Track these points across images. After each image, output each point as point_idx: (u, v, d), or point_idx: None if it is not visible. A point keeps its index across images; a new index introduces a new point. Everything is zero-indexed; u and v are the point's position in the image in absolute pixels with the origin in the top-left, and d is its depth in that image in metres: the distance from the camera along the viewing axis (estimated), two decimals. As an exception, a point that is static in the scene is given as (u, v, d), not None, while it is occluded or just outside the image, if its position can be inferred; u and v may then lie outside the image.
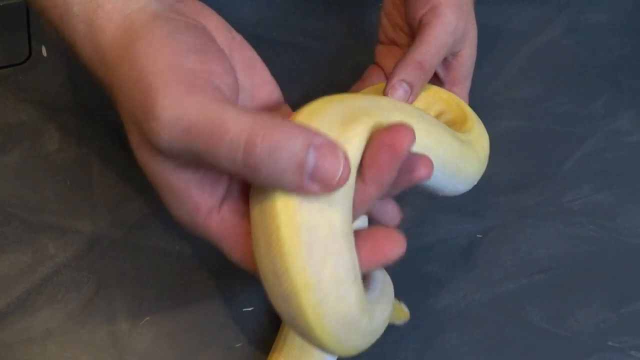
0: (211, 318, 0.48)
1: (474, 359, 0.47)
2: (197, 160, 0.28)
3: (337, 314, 0.28)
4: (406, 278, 0.50)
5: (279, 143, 0.26)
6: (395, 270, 0.50)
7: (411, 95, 0.43)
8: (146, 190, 0.52)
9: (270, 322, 0.47)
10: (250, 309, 0.48)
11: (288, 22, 0.61)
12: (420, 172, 0.30)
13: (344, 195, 0.28)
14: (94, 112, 0.55)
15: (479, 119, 0.47)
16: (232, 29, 0.34)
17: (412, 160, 0.30)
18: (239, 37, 0.34)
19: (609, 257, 0.51)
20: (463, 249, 0.51)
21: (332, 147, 0.27)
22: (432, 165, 0.31)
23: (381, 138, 0.29)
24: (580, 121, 0.58)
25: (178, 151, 0.27)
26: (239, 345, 0.47)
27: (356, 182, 0.29)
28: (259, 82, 0.35)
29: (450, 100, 0.48)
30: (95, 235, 0.50)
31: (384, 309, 0.33)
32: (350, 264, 0.28)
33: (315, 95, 0.58)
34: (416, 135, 0.29)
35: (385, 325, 0.34)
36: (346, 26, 0.62)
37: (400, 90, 0.43)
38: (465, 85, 0.50)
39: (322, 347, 0.30)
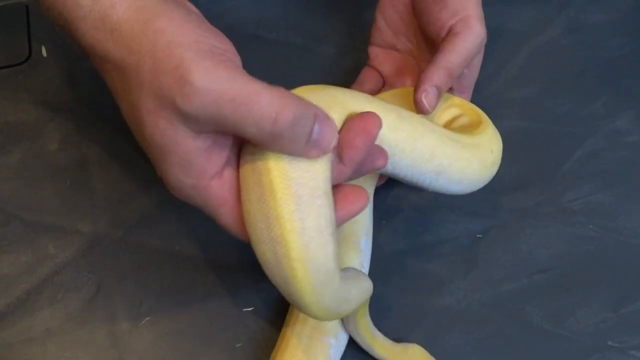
0: (211, 318, 0.48)
1: (474, 359, 0.47)
2: (220, 126, 0.31)
3: (318, 260, 0.32)
4: (406, 278, 0.50)
5: (299, 114, 0.31)
6: (396, 270, 0.50)
7: (437, 99, 0.45)
8: (146, 191, 0.52)
9: (270, 322, 0.47)
10: (250, 309, 0.48)
11: (288, 22, 0.61)
12: (379, 161, 0.36)
13: (325, 159, 0.33)
14: (94, 112, 0.55)
15: (493, 124, 0.48)
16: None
17: (374, 150, 0.36)
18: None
19: (609, 257, 0.51)
20: (463, 248, 0.51)
21: (329, 120, 0.32)
22: (387, 156, 0.37)
23: (356, 123, 0.34)
24: (580, 121, 0.58)
25: (204, 117, 0.30)
26: (239, 345, 0.47)
27: (333, 161, 0.34)
28: None
29: (464, 104, 0.49)
30: (95, 235, 0.50)
31: (356, 288, 0.38)
32: (330, 218, 0.33)
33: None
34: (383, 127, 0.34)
35: (356, 304, 0.39)
36: (346, 26, 0.62)
37: (432, 95, 0.45)
38: (471, 92, 0.51)
39: (300, 294, 0.33)
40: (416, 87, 0.45)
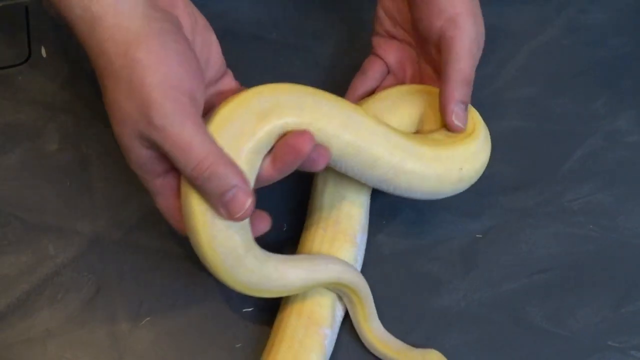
0: (211, 318, 0.48)
1: (474, 359, 0.47)
2: (162, 153, 0.38)
3: (226, 247, 0.39)
4: (406, 278, 0.50)
5: (217, 174, 0.37)
6: (396, 270, 0.50)
7: (466, 112, 0.47)
8: (146, 191, 0.52)
9: (270, 323, 0.47)
10: (250, 309, 0.48)
11: (288, 22, 0.61)
12: (319, 165, 0.41)
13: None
14: (94, 113, 0.55)
15: (484, 138, 0.48)
16: (197, 13, 0.43)
17: (317, 152, 0.40)
18: (202, 21, 0.43)
19: (609, 257, 0.51)
20: (463, 249, 0.51)
21: (246, 195, 0.38)
22: (328, 159, 0.41)
23: (289, 140, 0.39)
24: (580, 121, 0.58)
25: (154, 144, 0.37)
26: (239, 345, 0.47)
27: (264, 161, 0.40)
28: (212, 61, 0.43)
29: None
30: (95, 236, 0.50)
31: (299, 271, 0.43)
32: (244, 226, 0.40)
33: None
34: (321, 135, 0.40)
35: (302, 284, 0.43)
36: (346, 26, 0.62)
37: (460, 112, 0.46)
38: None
39: (217, 274, 0.41)
40: (442, 110, 0.47)
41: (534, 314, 0.49)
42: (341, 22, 0.62)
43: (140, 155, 0.39)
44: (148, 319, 0.47)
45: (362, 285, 0.45)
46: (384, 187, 0.45)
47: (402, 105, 0.50)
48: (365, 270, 0.49)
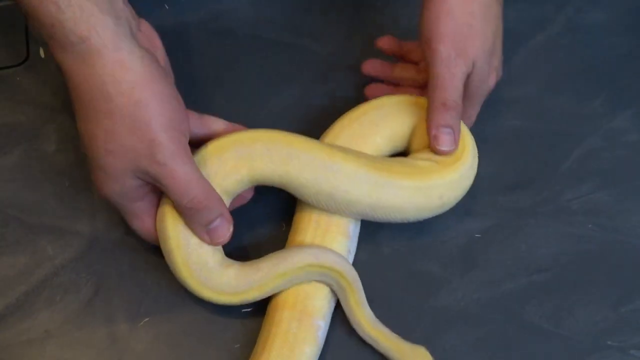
0: (210, 319, 0.48)
1: (473, 359, 0.47)
2: (156, 183, 0.42)
3: (198, 263, 0.44)
4: (406, 278, 0.50)
5: (208, 208, 0.43)
6: (395, 270, 0.50)
7: (456, 135, 0.47)
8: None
9: (269, 323, 0.47)
10: (249, 309, 0.48)
11: (287, 22, 0.61)
12: (246, 198, 0.49)
13: None
14: (93, 113, 0.55)
15: (470, 163, 0.48)
16: (158, 41, 0.47)
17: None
18: (163, 53, 0.47)
19: (608, 257, 0.51)
20: (462, 248, 0.51)
21: (229, 224, 0.45)
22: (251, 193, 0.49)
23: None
24: (579, 120, 0.58)
25: (148, 176, 0.42)
26: (237, 346, 0.47)
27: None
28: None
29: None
30: (94, 237, 0.50)
31: (251, 291, 0.45)
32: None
33: (315, 95, 0.58)
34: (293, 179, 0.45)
35: (269, 276, 0.45)
36: (346, 26, 0.61)
37: (444, 136, 0.47)
38: (472, 103, 0.51)
39: (191, 287, 0.45)
40: (427, 134, 0.47)
41: (533, 313, 0.49)
42: (340, 22, 0.62)
43: (125, 184, 0.42)
44: (147, 319, 0.47)
45: (348, 268, 0.46)
46: (363, 217, 0.48)
47: (395, 116, 0.50)
48: (365, 270, 0.48)
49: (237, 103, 0.56)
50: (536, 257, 0.51)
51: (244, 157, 0.45)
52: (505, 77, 0.55)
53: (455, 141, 0.47)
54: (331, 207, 0.46)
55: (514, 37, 0.62)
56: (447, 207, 0.48)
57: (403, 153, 0.51)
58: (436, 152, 0.47)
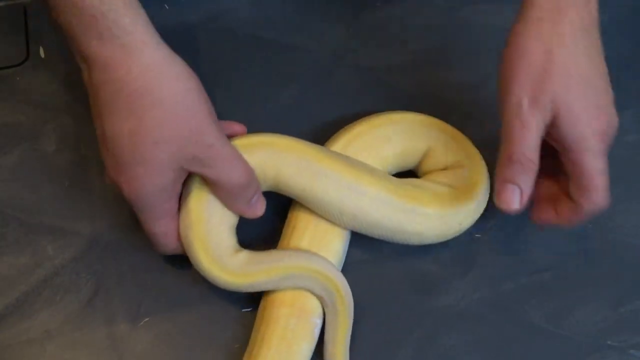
0: (210, 319, 0.48)
1: (474, 359, 0.47)
2: (202, 168, 0.43)
3: (213, 241, 0.45)
4: (406, 278, 0.50)
5: (252, 184, 0.45)
6: (396, 270, 0.50)
7: (523, 195, 0.42)
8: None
9: (269, 323, 0.47)
10: (249, 309, 0.48)
11: (288, 22, 0.61)
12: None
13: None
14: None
15: (487, 189, 0.48)
16: None
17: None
18: None
19: (609, 257, 0.51)
20: (462, 248, 0.51)
21: (263, 198, 0.47)
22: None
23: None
24: (580, 120, 0.58)
25: (195, 160, 0.42)
26: (237, 346, 0.47)
27: None
28: None
29: (472, 158, 0.50)
30: (93, 237, 0.50)
31: (252, 278, 0.45)
32: (228, 218, 0.46)
33: (315, 95, 0.58)
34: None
35: (250, 287, 0.45)
36: (344, 26, 0.61)
37: (504, 192, 0.43)
38: (583, 149, 0.41)
39: (200, 264, 0.45)
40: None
41: (533, 313, 0.49)
42: (340, 22, 0.62)
43: (169, 177, 0.42)
44: (147, 319, 0.47)
45: (349, 297, 0.46)
46: (381, 238, 0.48)
47: (410, 134, 0.51)
48: (365, 270, 0.49)
49: (237, 103, 0.56)
50: (536, 258, 0.51)
51: (274, 161, 0.46)
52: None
53: (521, 201, 0.42)
54: (353, 226, 0.47)
55: (514, 37, 0.62)
56: (460, 233, 0.49)
57: (410, 171, 0.52)
58: (497, 206, 0.43)
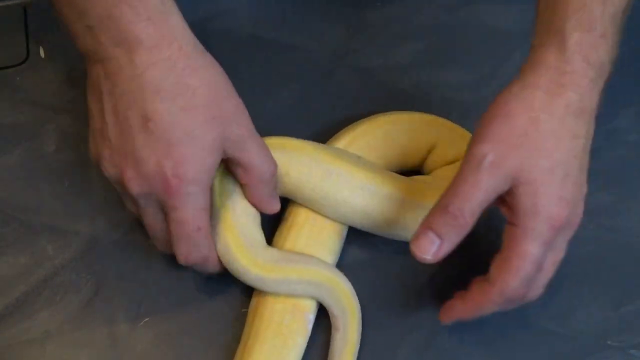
0: (211, 319, 0.48)
1: (474, 359, 0.47)
2: (238, 152, 0.43)
3: (246, 234, 0.45)
4: (406, 278, 0.50)
5: (275, 174, 0.45)
6: (395, 270, 0.50)
7: (441, 248, 0.40)
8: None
9: (269, 323, 0.47)
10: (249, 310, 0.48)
11: (287, 22, 0.61)
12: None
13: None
14: (93, 113, 0.55)
15: None
16: None
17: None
18: None
19: (609, 257, 0.51)
20: (462, 248, 0.51)
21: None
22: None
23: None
24: (580, 120, 0.58)
25: (233, 141, 0.42)
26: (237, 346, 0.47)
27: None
28: None
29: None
30: (94, 236, 0.50)
31: (283, 273, 0.45)
32: (254, 215, 0.47)
33: (315, 95, 0.58)
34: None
35: (274, 284, 0.45)
36: (344, 26, 0.61)
37: (422, 240, 0.40)
38: (528, 228, 0.39)
39: (236, 257, 0.44)
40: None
41: (534, 313, 0.49)
42: (340, 22, 0.62)
43: (215, 157, 0.41)
44: (147, 319, 0.47)
45: (359, 317, 0.46)
46: (394, 238, 0.49)
47: (412, 133, 0.51)
48: (365, 270, 0.49)
49: (237, 103, 0.56)
50: (537, 257, 0.51)
51: (284, 161, 0.46)
52: (505, 77, 0.55)
53: (436, 254, 0.40)
54: (364, 225, 0.48)
55: (513, 37, 0.62)
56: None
57: (414, 169, 0.52)
58: (410, 250, 0.41)
